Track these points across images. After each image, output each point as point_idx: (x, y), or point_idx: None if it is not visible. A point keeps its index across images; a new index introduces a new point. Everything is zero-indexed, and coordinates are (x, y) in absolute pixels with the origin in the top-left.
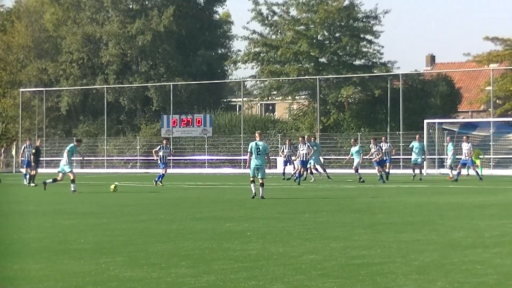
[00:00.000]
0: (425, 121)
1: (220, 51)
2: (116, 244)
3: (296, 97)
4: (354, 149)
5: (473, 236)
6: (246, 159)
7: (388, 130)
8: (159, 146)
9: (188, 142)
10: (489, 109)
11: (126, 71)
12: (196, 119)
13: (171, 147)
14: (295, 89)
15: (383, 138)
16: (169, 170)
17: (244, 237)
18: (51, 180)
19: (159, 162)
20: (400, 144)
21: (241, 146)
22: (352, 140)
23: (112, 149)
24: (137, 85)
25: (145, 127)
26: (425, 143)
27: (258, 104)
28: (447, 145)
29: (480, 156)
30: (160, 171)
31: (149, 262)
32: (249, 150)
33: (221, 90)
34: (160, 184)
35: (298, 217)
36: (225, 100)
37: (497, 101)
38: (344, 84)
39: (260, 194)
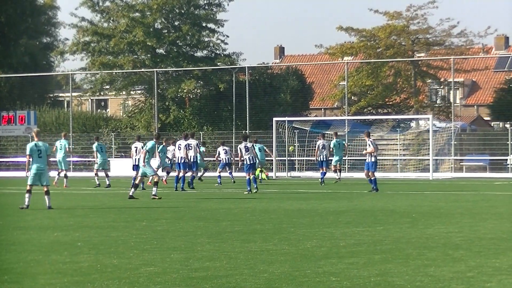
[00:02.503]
0: (274, 119)
1: (45, 40)
2: None
3: (131, 92)
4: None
5: (327, 245)
6: (78, 161)
7: (233, 129)
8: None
9: (10, 142)
10: (343, 106)
11: None
12: (19, 116)
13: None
14: (130, 83)
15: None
16: None
17: (74, 248)
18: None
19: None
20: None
21: (71, 146)
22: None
23: None
24: None
25: None
26: (274, 143)
27: (89, 100)
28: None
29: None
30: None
31: None
32: (28, 152)
33: (47, 84)
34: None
35: (135, 225)
36: (51, 95)
37: (352, 97)
38: (185, 77)
39: (47, 204)
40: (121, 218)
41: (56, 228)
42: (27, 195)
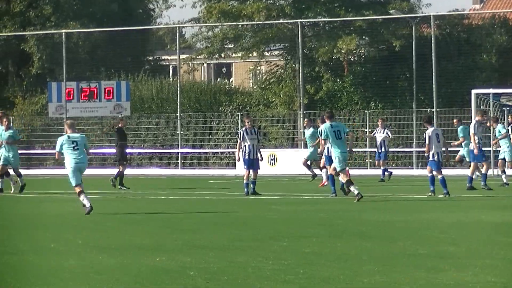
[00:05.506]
0: (473, 91)
1: None
2: None
3: (266, 54)
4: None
5: None
6: (190, 153)
7: (414, 106)
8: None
9: (93, 126)
10: None
11: None
12: (105, 89)
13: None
14: (263, 40)
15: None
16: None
17: (184, 278)
18: None
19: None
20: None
21: (178, 132)
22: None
23: None
24: (8, 33)
25: (22, 101)
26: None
27: (205, 65)
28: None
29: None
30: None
31: None
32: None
33: (144, 43)
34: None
35: (269, 245)
36: (150, 59)
37: None
38: (343, 32)
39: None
40: (247, 235)
41: (156, 249)
42: (82, 196)
